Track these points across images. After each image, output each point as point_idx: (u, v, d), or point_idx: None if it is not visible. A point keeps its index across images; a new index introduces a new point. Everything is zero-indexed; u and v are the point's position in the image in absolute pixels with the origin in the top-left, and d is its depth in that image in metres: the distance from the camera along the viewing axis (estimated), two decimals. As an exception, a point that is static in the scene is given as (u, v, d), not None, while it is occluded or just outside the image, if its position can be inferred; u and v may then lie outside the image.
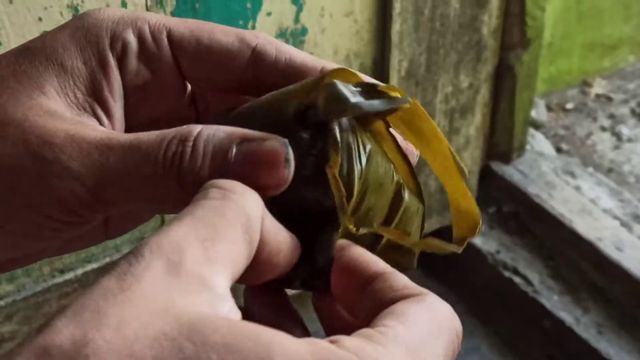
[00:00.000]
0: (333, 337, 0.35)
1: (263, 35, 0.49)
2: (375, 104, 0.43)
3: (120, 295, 0.32)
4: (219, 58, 0.48)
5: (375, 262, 0.42)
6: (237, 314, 0.35)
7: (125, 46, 0.47)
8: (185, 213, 0.37)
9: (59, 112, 0.44)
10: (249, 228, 0.37)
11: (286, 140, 0.41)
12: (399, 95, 0.44)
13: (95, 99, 0.46)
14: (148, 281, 0.33)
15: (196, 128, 0.42)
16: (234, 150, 0.41)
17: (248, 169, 0.41)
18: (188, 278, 0.33)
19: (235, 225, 0.36)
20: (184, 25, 0.48)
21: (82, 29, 0.47)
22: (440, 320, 0.39)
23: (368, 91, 0.44)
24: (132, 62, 0.47)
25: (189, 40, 0.48)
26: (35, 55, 0.46)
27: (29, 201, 0.42)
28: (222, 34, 0.48)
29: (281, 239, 0.40)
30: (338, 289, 0.43)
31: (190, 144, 0.42)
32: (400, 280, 0.41)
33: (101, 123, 0.46)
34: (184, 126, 0.43)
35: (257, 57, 0.48)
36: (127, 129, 0.49)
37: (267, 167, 0.41)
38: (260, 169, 0.41)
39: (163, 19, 0.48)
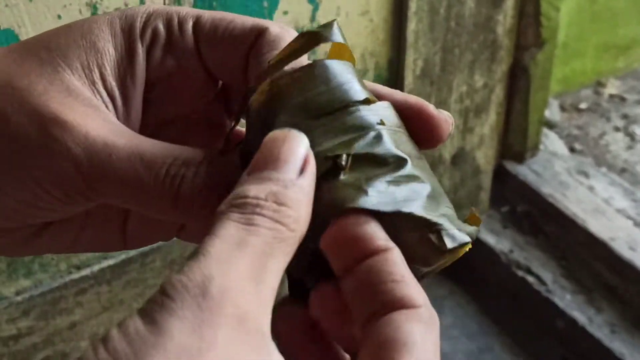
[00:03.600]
0: None
1: (279, 25, 0.48)
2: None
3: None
4: (229, 44, 0.48)
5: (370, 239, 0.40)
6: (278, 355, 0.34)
7: (154, 36, 0.47)
8: (222, 248, 0.35)
9: (78, 90, 0.44)
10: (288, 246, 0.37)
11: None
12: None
13: (117, 83, 0.46)
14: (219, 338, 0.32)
15: (201, 155, 0.42)
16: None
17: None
18: (251, 335, 0.33)
19: (275, 249, 0.36)
20: (210, 15, 0.48)
21: (119, 18, 0.47)
22: (437, 336, 0.38)
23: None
24: (159, 51, 0.48)
25: (210, 28, 0.48)
26: (73, 32, 0.46)
27: (29, 171, 0.43)
28: (240, 21, 0.48)
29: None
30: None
31: (193, 170, 0.42)
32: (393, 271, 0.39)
33: (117, 109, 0.46)
34: (190, 149, 0.43)
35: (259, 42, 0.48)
36: (153, 125, 0.50)
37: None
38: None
39: (193, 11, 0.48)
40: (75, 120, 0.42)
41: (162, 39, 0.48)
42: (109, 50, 0.46)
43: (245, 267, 0.34)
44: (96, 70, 0.45)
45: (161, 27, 0.48)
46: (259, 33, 0.47)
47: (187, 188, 0.41)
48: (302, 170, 0.39)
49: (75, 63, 0.45)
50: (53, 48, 0.45)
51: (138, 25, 0.47)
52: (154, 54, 0.48)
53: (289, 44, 0.46)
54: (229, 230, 0.35)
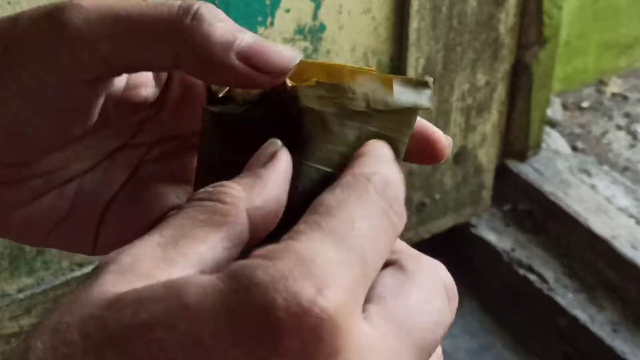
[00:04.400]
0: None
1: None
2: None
3: (65, 307, 0.33)
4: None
5: None
6: None
7: None
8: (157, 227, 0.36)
9: None
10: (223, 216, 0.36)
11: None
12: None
13: None
14: (96, 291, 0.33)
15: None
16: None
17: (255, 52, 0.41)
18: (134, 277, 0.33)
19: (202, 222, 0.36)
20: None
21: None
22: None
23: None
24: None
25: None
26: None
27: (39, 52, 0.42)
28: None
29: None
30: None
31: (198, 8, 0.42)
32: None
33: None
34: None
35: None
36: None
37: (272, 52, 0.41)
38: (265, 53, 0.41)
39: None
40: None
41: None
42: None
43: (156, 238, 0.35)
44: None
45: None
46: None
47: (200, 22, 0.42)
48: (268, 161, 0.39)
49: None
50: None
51: None
52: None
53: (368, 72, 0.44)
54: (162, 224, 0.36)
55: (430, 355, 0.36)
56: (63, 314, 0.32)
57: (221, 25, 0.42)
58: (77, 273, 1.31)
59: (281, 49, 0.42)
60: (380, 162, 0.38)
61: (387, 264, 0.37)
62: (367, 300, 0.34)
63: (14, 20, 0.43)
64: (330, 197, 0.36)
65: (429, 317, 0.36)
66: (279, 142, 0.40)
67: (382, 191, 0.36)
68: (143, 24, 0.42)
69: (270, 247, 0.32)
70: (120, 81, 0.46)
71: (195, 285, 0.31)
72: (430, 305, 0.36)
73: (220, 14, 0.42)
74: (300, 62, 0.42)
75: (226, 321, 0.30)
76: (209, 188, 0.37)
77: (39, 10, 0.43)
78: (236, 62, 0.41)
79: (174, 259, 0.34)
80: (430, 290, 0.37)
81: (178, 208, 0.37)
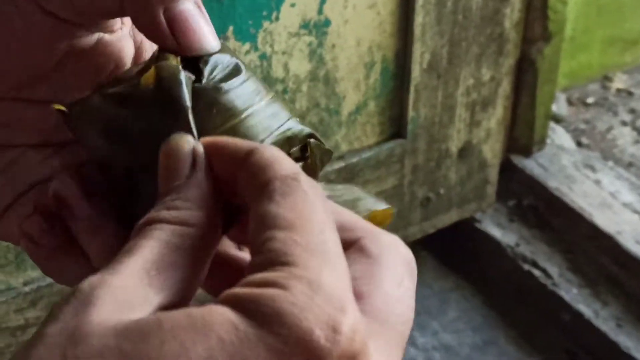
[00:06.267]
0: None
1: None
2: None
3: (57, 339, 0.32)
4: None
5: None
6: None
7: None
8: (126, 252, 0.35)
9: None
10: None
11: None
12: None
13: None
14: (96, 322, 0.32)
15: None
16: None
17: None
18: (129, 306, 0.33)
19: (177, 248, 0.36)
20: None
21: None
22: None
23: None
24: None
25: None
26: None
27: None
28: None
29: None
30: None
31: None
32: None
33: None
34: None
35: None
36: None
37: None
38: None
39: None
40: None
41: None
42: None
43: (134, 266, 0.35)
44: None
45: None
46: None
47: None
48: (193, 166, 0.38)
49: None
50: None
51: None
52: None
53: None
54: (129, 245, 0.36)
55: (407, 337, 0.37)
56: (60, 347, 0.31)
57: None
58: (83, 266, 1.31)
59: (205, 32, 0.43)
60: (285, 160, 0.37)
61: (348, 244, 0.37)
62: None
63: None
64: (281, 210, 0.35)
65: (404, 302, 0.37)
66: (187, 137, 0.39)
67: (309, 183, 0.36)
68: None
69: (271, 275, 0.33)
70: (86, 41, 0.46)
71: (219, 316, 0.31)
72: (403, 287, 0.37)
73: None
74: None
75: (269, 356, 0.31)
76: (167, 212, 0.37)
77: None
78: (162, 19, 0.42)
79: (157, 285, 0.34)
80: (398, 271, 0.37)
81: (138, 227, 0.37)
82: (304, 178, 0.36)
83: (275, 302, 0.31)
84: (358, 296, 0.35)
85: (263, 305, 0.31)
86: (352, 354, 0.32)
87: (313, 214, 0.35)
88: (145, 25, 0.43)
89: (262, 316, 0.31)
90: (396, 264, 0.37)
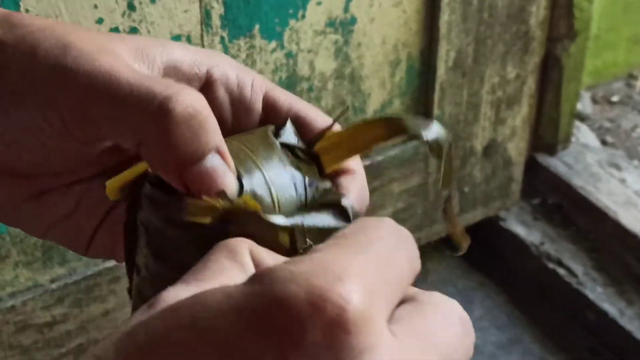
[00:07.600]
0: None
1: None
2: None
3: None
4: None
5: None
6: None
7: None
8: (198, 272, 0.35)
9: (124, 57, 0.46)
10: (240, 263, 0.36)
11: None
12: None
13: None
14: None
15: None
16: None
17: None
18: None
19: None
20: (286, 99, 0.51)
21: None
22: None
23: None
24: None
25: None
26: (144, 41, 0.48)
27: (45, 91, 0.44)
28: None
29: None
30: None
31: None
32: None
33: None
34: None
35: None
36: None
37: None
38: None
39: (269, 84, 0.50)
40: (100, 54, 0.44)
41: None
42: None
43: None
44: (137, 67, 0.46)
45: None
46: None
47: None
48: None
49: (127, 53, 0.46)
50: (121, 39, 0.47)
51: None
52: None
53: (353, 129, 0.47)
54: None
55: None
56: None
57: (182, 138, 0.42)
58: (109, 264, 1.32)
59: (218, 185, 0.42)
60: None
61: (403, 301, 0.35)
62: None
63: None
64: (345, 229, 0.35)
65: (448, 338, 0.34)
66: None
67: (396, 227, 0.35)
68: (116, 106, 0.43)
69: (291, 259, 0.32)
70: None
71: (220, 290, 0.31)
72: (449, 329, 0.34)
73: (197, 113, 0.42)
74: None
75: (249, 318, 0.30)
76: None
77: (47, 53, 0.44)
78: (181, 182, 0.43)
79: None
80: (447, 317, 0.35)
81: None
82: (392, 222, 0.37)
83: (275, 271, 0.30)
84: (398, 321, 0.33)
85: (263, 275, 0.31)
86: (343, 328, 0.29)
87: (374, 231, 0.35)
88: (163, 175, 0.44)
89: (257, 284, 0.30)
90: (447, 313, 0.35)
